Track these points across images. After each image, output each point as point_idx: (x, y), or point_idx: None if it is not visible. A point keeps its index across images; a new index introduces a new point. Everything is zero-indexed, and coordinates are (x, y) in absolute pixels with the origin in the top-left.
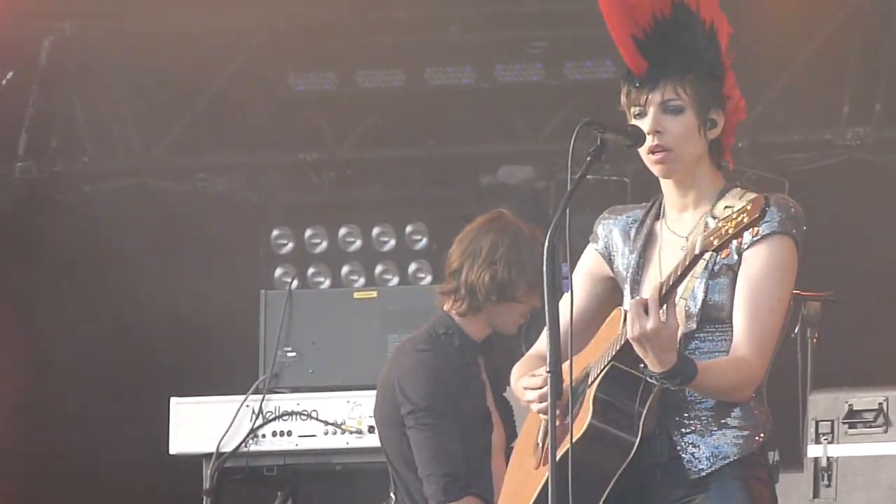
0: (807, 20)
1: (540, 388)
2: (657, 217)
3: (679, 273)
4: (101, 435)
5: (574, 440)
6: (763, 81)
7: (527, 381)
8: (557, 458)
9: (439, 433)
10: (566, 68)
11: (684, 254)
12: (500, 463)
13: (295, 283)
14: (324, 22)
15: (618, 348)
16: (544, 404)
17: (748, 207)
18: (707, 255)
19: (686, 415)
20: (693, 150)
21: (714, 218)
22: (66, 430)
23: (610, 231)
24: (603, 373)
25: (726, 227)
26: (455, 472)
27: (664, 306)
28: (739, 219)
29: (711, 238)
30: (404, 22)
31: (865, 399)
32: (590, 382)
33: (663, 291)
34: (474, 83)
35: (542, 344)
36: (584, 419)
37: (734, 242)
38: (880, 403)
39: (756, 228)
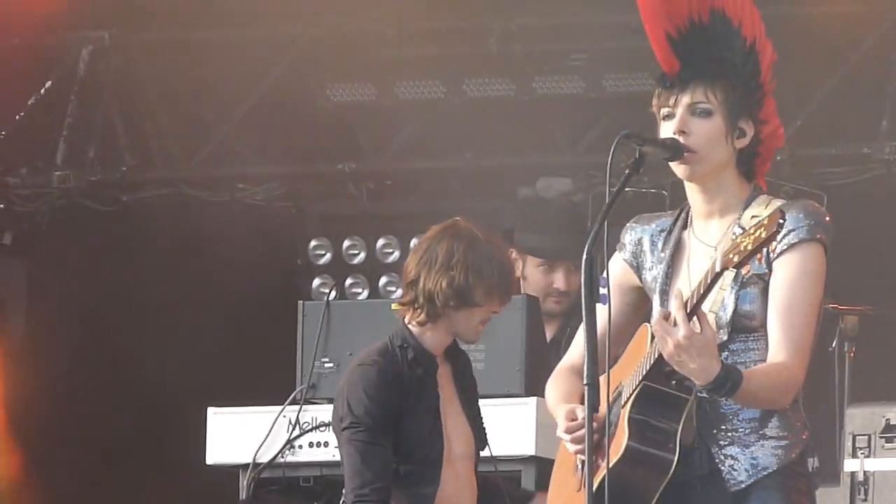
0: (846, 35)
1: (575, 432)
2: (684, 226)
3: (702, 291)
4: (138, 444)
5: (612, 463)
6: (802, 95)
7: (562, 424)
8: (597, 483)
9: (359, 451)
10: (605, 81)
11: (705, 272)
12: (463, 472)
13: (333, 293)
14: (362, 33)
15: (648, 367)
16: (580, 446)
17: (765, 222)
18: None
19: (724, 427)
20: (719, 155)
21: (742, 228)
22: (103, 439)
23: (638, 240)
24: (635, 393)
25: (745, 244)
26: (363, 493)
27: (694, 318)
28: (757, 234)
29: (731, 255)
30: (443, 33)
31: None
32: (622, 403)
33: (688, 309)
34: (513, 95)
35: (574, 356)
36: (620, 441)
37: (764, 250)
38: None
39: (775, 244)
